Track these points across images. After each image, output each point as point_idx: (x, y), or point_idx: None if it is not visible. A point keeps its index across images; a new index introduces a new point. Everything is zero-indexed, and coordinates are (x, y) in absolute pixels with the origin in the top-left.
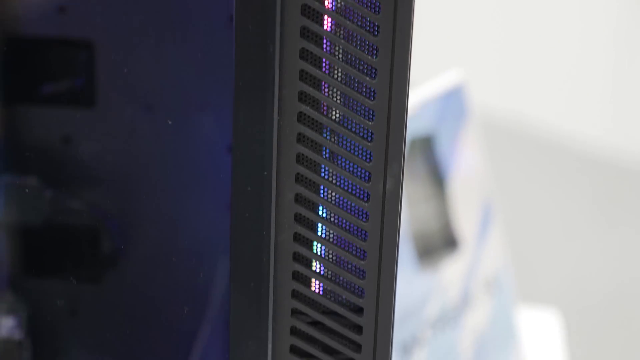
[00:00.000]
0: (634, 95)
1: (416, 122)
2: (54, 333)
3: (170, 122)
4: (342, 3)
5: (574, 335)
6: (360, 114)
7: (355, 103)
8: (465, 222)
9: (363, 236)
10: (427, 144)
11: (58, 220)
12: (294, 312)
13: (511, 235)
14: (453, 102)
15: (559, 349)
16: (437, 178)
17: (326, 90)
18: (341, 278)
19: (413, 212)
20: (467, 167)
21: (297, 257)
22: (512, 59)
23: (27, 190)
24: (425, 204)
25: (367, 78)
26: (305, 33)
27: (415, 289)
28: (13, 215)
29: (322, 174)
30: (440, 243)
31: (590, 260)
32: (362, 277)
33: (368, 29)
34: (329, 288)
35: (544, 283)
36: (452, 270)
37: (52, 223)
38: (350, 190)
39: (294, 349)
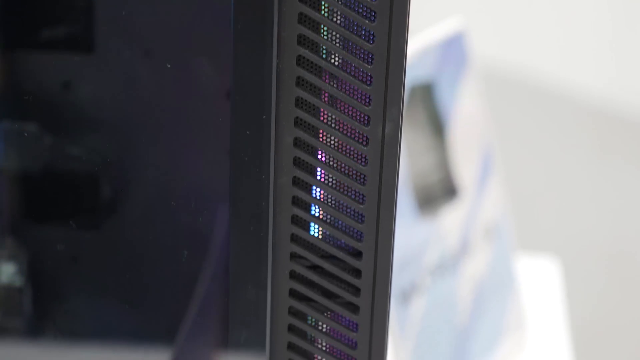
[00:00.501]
0: (633, 46)
1: (416, 69)
2: (55, 279)
3: (169, 67)
4: None
5: (573, 283)
6: (359, 57)
7: (354, 46)
8: (465, 170)
9: (362, 180)
10: (427, 92)
11: (58, 166)
12: (293, 256)
13: (511, 183)
14: (453, 49)
15: (557, 296)
16: (437, 126)
17: (325, 33)
18: (340, 222)
19: (413, 162)
20: (467, 114)
21: (296, 201)
22: (512, 8)
23: (26, 136)
24: (426, 155)
25: (366, 21)
26: None
27: (414, 236)
28: (13, 162)
29: (321, 118)
30: (440, 192)
31: (589, 208)
32: (361, 221)
33: None
34: (328, 232)
35: (542, 231)
36: (451, 218)
37: (52, 169)
38: (349, 134)
39: (293, 293)
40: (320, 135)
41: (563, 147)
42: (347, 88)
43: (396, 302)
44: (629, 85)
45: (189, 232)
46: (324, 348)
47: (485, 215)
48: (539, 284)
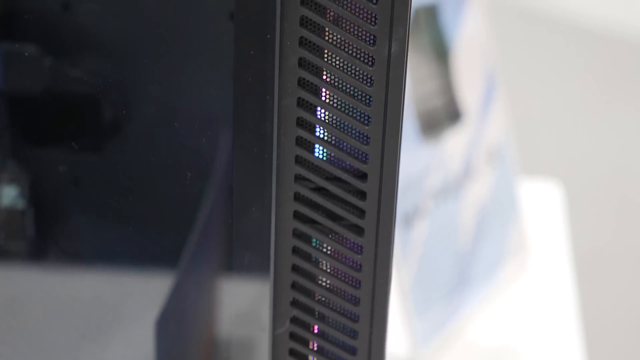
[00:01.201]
0: None
1: None
2: (57, 202)
3: None
4: None
5: (575, 207)
6: None
7: None
8: (468, 94)
9: (367, 101)
10: (431, 15)
11: (59, 87)
12: (298, 178)
13: (514, 107)
14: None
15: (559, 220)
16: (441, 50)
17: None
18: (345, 144)
19: (416, 87)
20: (470, 38)
21: (300, 123)
22: None
23: (27, 57)
24: (429, 79)
25: None
26: None
27: (417, 161)
28: (13, 83)
29: (326, 38)
30: (444, 116)
31: (592, 132)
32: (366, 142)
33: None
34: (332, 154)
35: (545, 155)
36: (454, 142)
37: (53, 90)
38: (354, 54)
39: (297, 215)
40: (325, 56)
41: (567, 71)
42: (353, 6)
43: (398, 226)
44: (635, 8)
45: (192, 153)
46: (328, 270)
47: (488, 139)
48: (542, 208)
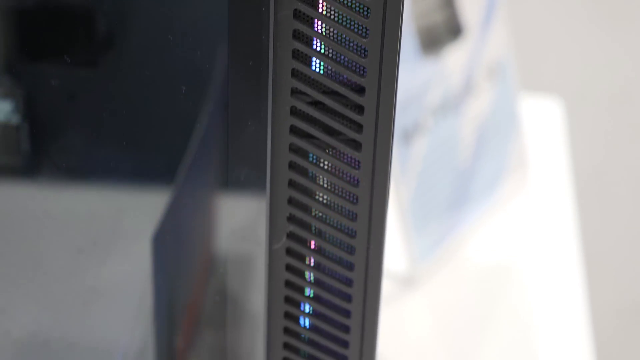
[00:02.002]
0: None
1: None
2: (52, 117)
3: None
4: None
5: (575, 123)
6: None
7: None
8: (469, 9)
9: (366, 13)
10: None
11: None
12: (294, 92)
13: (515, 22)
14: None
15: (560, 136)
16: None
17: None
18: (342, 57)
19: (417, 5)
20: None
21: (297, 35)
22: None
23: None
24: None
25: None
26: None
27: (417, 76)
28: None
29: None
30: (444, 32)
31: (594, 49)
32: (364, 55)
33: None
34: (330, 67)
35: (546, 71)
36: (455, 58)
37: (46, 2)
38: None
39: (294, 130)
40: None
41: None
42: None
43: (398, 142)
44: None
45: (187, 66)
46: (325, 185)
47: (489, 54)
48: (542, 125)
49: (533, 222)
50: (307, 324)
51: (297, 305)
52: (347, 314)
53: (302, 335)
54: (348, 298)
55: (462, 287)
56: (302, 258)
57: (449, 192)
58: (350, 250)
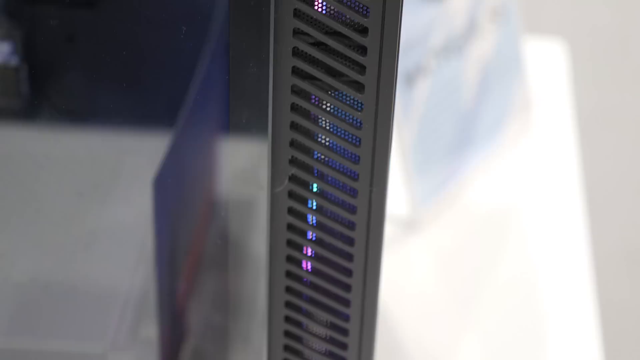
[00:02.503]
0: None
1: None
2: (51, 59)
3: None
4: None
5: (580, 66)
6: None
7: None
8: None
9: None
10: None
11: None
12: (297, 33)
13: None
14: None
15: (564, 79)
16: None
17: None
18: None
19: None
20: None
21: None
22: None
23: None
24: None
25: None
26: None
27: (420, 17)
28: None
29: None
30: None
31: None
32: None
33: None
34: (332, 7)
35: (550, 13)
36: None
37: None
38: None
39: (296, 71)
40: None
41: None
42: None
43: (400, 85)
44: None
45: (188, 6)
46: (327, 127)
47: None
48: (546, 67)
49: (536, 165)
50: (309, 267)
51: (299, 248)
52: (349, 257)
53: (304, 279)
54: (350, 241)
55: (465, 230)
56: (304, 201)
57: (451, 135)
58: (353, 193)
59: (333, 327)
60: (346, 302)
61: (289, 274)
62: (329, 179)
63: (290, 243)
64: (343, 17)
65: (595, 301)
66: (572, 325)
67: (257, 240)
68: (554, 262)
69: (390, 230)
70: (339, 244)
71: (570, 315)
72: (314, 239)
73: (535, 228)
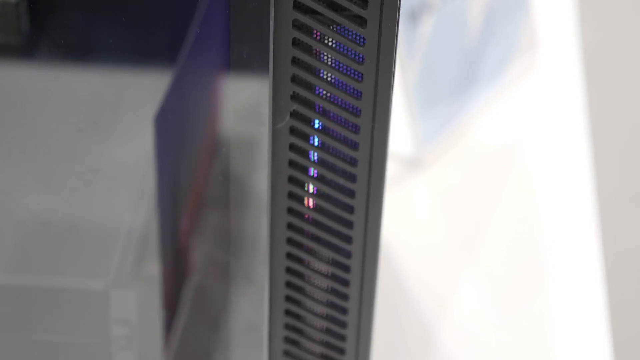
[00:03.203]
0: None
1: None
2: None
3: None
4: None
5: (587, 3)
6: None
7: None
8: None
9: None
10: None
11: None
12: None
13: None
14: None
15: (571, 17)
16: None
17: None
18: None
19: None
20: None
21: None
22: None
23: None
24: None
25: None
26: None
27: None
28: None
29: None
30: None
31: None
32: None
33: None
34: None
35: None
36: None
37: None
38: None
39: (297, 5)
40: None
41: None
42: None
43: (404, 21)
44: None
45: None
46: (329, 63)
47: None
48: (553, 5)
49: (542, 103)
50: (311, 204)
51: (301, 185)
52: (351, 193)
53: (306, 216)
54: (352, 178)
55: (469, 169)
56: (305, 137)
57: (456, 73)
58: (355, 129)
59: (335, 264)
60: (348, 239)
61: (290, 211)
62: (331, 114)
63: (291, 180)
64: None
65: (598, 241)
66: (575, 264)
67: (258, 177)
68: (558, 201)
69: (393, 169)
70: (340, 181)
71: (573, 255)
72: (315, 175)
73: (539, 167)
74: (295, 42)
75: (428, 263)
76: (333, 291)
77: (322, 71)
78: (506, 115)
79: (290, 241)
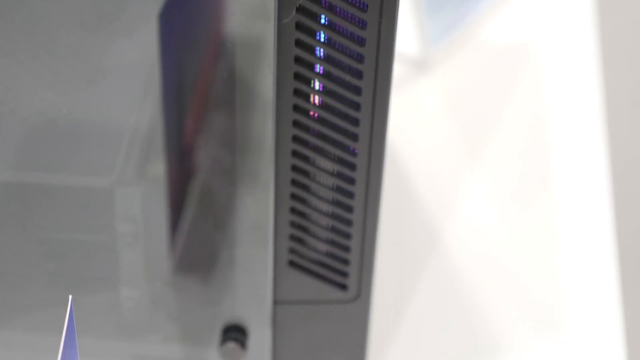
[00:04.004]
0: None
1: None
2: None
3: None
4: None
5: None
6: None
7: None
8: None
9: None
10: None
11: None
12: None
13: None
14: None
15: None
16: None
17: None
18: None
19: None
20: None
21: None
22: None
23: None
24: None
25: None
26: None
27: None
28: None
29: None
30: None
31: None
32: None
33: None
34: None
35: None
36: None
37: None
38: None
39: None
40: None
41: None
42: None
43: None
44: None
45: None
46: None
47: None
48: None
49: (551, 5)
50: (317, 101)
51: (307, 82)
52: (357, 90)
53: (312, 113)
54: (359, 74)
55: (476, 70)
56: (312, 33)
57: None
58: (362, 24)
59: (340, 161)
60: (354, 136)
61: (296, 108)
62: (337, 9)
63: (297, 76)
64: None
65: (605, 144)
66: (582, 164)
67: (264, 74)
68: (565, 103)
69: (400, 70)
70: (347, 77)
71: (580, 155)
72: (321, 72)
73: (547, 68)
74: None
75: (435, 164)
76: (338, 189)
77: None
78: (515, 16)
79: (295, 139)
